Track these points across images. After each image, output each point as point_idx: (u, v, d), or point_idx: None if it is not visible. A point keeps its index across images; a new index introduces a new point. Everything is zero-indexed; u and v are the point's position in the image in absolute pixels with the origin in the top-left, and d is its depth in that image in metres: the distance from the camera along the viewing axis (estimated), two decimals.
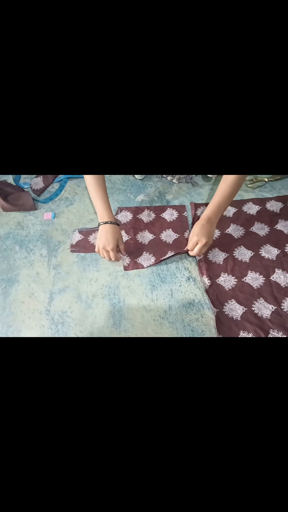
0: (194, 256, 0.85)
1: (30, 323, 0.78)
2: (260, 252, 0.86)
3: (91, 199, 0.86)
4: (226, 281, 0.81)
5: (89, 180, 0.82)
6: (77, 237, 0.92)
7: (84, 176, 0.86)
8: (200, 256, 0.85)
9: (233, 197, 0.80)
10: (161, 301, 0.80)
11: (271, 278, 0.81)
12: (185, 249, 0.83)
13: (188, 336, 0.74)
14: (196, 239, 0.78)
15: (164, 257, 0.86)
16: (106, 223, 0.82)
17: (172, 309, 0.78)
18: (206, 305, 0.78)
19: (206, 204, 0.96)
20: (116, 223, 0.83)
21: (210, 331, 0.74)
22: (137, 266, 0.86)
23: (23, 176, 1.09)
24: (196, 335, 0.74)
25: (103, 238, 0.81)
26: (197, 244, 0.79)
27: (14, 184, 1.06)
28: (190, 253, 0.82)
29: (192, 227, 0.87)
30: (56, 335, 0.76)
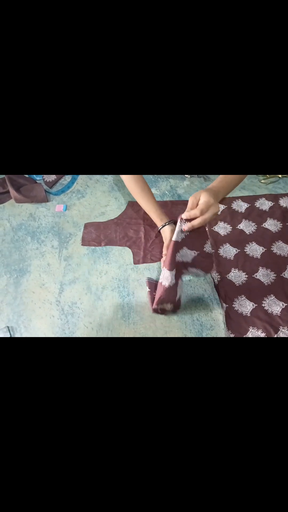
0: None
1: (40, 313, 0.79)
2: (272, 249, 0.85)
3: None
4: (237, 276, 0.81)
5: (133, 186, 0.87)
6: (88, 231, 0.93)
7: (125, 182, 0.90)
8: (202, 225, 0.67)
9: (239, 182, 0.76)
10: None
11: (283, 275, 0.80)
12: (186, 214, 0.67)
13: (196, 330, 0.74)
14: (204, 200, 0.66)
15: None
16: (164, 225, 0.85)
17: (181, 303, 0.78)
18: (216, 300, 0.78)
19: None
20: (170, 221, 0.85)
21: (219, 326, 0.74)
22: (146, 260, 0.86)
23: None
24: (204, 330, 0.74)
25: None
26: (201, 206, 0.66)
27: (27, 176, 1.07)
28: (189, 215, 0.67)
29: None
30: (66, 326, 0.77)
